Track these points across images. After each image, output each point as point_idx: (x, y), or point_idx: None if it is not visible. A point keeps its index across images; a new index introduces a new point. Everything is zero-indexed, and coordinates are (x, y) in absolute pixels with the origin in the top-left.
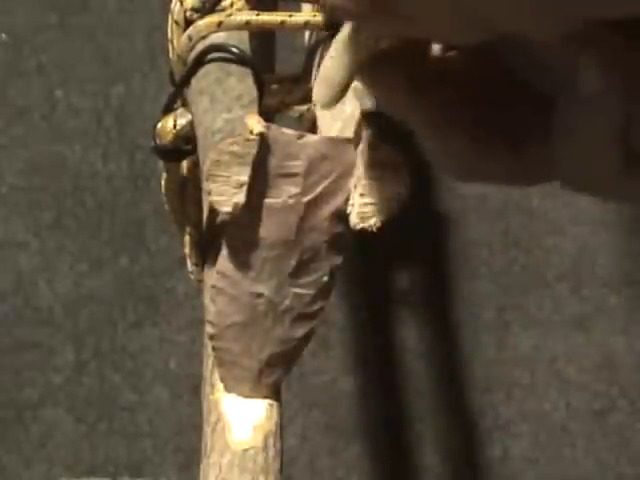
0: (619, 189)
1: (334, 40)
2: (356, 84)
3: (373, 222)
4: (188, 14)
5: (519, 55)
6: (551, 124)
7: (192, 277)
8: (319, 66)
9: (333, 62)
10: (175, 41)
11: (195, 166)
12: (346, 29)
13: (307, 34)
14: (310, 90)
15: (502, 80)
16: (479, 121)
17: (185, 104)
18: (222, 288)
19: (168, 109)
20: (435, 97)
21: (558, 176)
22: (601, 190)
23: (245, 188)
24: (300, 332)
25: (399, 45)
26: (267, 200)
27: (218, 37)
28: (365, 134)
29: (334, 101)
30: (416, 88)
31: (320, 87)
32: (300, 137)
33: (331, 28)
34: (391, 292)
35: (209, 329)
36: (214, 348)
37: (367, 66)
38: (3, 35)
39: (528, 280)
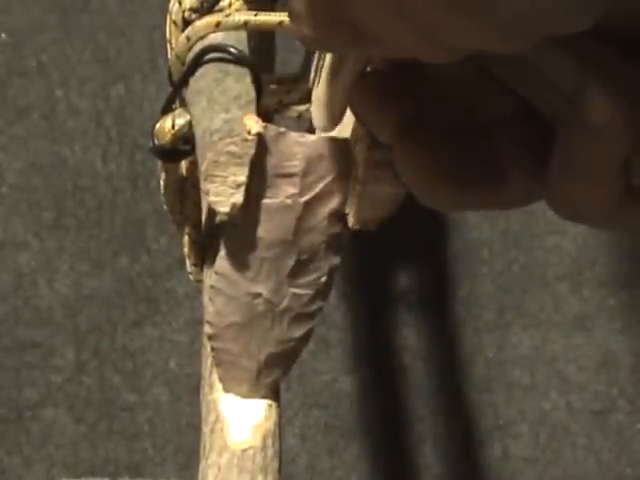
0: (614, 220)
1: (323, 67)
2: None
3: (372, 222)
4: (186, 14)
5: (522, 72)
6: (540, 155)
7: (191, 277)
8: (317, 67)
9: (325, 87)
10: (173, 41)
11: (194, 166)
12: (335, 54)
13: None
14: (309, 90)
15: (485, 104)
16: (457, 157)
17: (184, 104)
18: (220, 288)
19: (167, 109)
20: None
21: (541, 197)
22: (596, 220)
23: (243, 188)
24: (299, 332)
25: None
26: (265, 200)
27: (216, 37)
28: (363, 134)
29: (333, 125)
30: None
31: (318, 113)
32: (298, 137)
33: None
34: (391, 292)
35: (208, 329)
36: (213, 348)
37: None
38: (3, 35)
39: (528, 280)
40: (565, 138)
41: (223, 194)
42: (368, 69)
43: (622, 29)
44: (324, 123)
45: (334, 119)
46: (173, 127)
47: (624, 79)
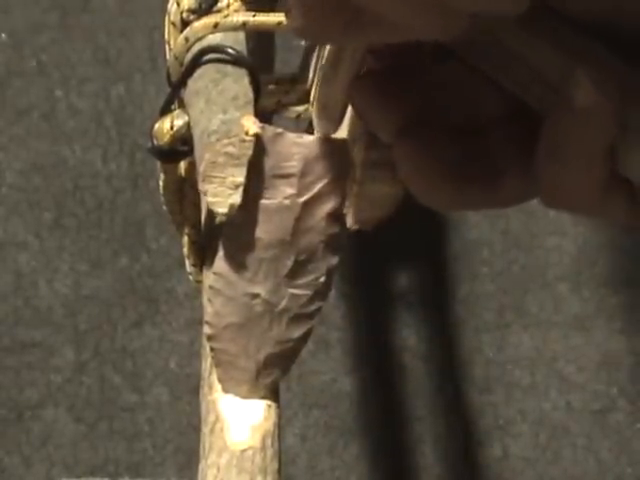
0: (599, 208)
1: (320, 68)
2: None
3: (370, 222)
4: (185, 15)
5: (511, 67)
6: (531, 146)
7: (191, 278)
8: (315, 67)
9: (323, 88)
10: (172, 42)
11: (192, 167)
12: (330, 53)
13: None
14: (307, 90)
15: (479, 105)
16: (457, 156)
17: (182, 105)
18: (219, 289)
19: (165, 110)
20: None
21: (537, 195)
22: (582, 208)
23: (241, 189)
24: (297, 333)
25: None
26: (263, 201)
27: (215, 38)
28: (361, 134)
29: (335, 126)
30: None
31: (320, 116)
32: (296, 138)
33: None
34: (391, 292)
35: (207, 330)
36: (212, 349)
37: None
38: (3, 35)
39: (528, 280)
40: (551, 124)
41: (221, 195)
42: (364, 70)
43: (621, 31)
44: (325, 125)
45: (335, 120)
46: (172, 128)
47: (614, 69)
